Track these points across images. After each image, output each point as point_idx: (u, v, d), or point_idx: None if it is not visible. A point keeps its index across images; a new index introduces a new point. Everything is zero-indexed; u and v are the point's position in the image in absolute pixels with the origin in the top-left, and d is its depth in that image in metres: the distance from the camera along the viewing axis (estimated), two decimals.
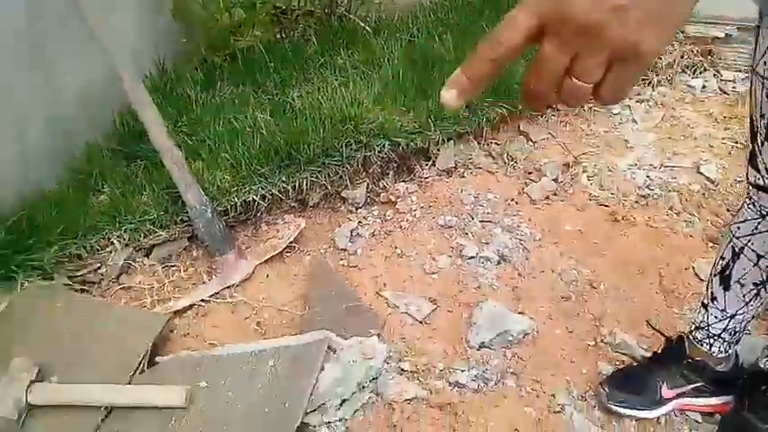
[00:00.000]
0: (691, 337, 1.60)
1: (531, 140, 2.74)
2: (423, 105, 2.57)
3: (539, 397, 1.74)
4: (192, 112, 2.55)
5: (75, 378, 1.70)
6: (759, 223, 1.30)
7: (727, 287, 1.44)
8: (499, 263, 2.17)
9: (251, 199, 2.24)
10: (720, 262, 1.45)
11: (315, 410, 1.66)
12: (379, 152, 2.42)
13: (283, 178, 2.29)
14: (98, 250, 2.07)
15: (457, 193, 2.46)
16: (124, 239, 2.09)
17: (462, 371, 1.79)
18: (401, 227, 2.34)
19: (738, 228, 1.36)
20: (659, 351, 1.69)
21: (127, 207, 2.11)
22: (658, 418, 1.66)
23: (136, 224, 2.10)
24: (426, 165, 2.57)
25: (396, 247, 2.25)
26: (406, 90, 2.63)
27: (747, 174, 1.25)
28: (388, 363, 1.82)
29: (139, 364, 1.77)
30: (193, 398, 1.67)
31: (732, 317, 1.48)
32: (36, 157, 2.13)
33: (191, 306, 2.05)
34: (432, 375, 1.80)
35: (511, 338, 1.88)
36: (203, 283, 2.13)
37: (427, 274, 2.14)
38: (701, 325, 1.56)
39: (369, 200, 2.48)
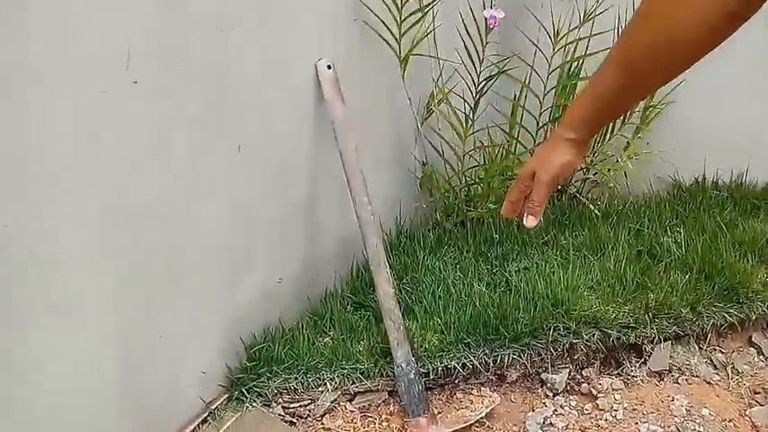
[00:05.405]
0: None
1: (764, 355, 2.49)
2: (641, 299, 2.53)
3: None
4: (416, 271, 2.81)
5: None
6: None
7: None
8: None
9: (452, 365, 2.38)
10: None
11: None
12: (586, 341, 2.41)
13: (486, 351, 2.39)
14: (313, 388, 2.36)
15: (667, 400, 2.32)
16: (335, 382, 2.35)
17: None
18: (599, 425, 2.27)
19: None
20: None
21: (345, 353, 2.38)
22: None
23: (348, 370, 2.35)
24: (637, 362, 2.48)
25: None
26: (626, 281, 2.61)
27: None
28: None
29: None
30: None
31: None
32: (282, 295, 2.52)
33: None
34: None
35: None
36: None
37: None
38: None
39: (569, 387, 2.45)
